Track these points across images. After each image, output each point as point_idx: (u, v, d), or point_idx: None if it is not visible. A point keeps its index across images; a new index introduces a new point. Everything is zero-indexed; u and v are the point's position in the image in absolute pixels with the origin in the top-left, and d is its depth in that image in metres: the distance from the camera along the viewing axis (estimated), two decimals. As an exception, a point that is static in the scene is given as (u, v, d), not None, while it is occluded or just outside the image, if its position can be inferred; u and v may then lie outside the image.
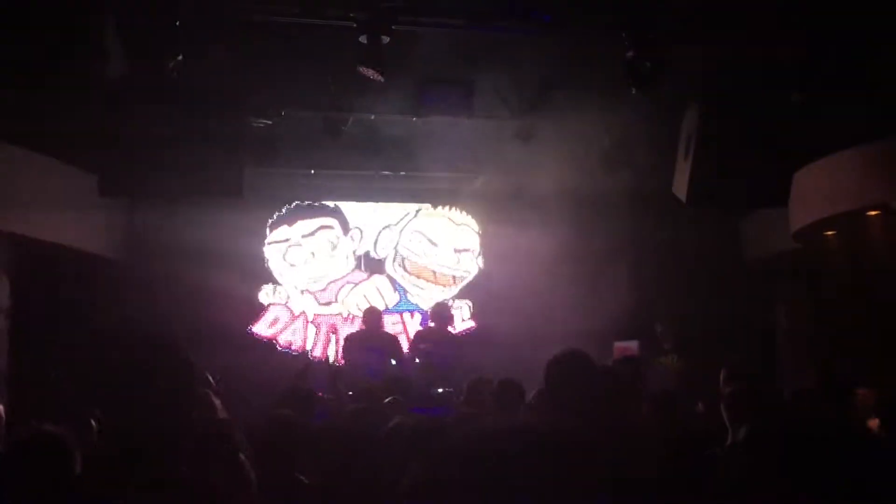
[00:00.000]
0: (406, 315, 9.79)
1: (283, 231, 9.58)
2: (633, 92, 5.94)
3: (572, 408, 2.71)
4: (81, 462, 2.37)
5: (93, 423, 4.36)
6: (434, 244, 9.92)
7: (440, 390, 7.01)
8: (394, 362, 7.64)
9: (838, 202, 7.36)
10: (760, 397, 3.48)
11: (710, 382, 5.47)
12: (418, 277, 9.87)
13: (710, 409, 4.76)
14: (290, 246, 9.57)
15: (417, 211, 9.97)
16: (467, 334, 9.58)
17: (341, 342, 9.43)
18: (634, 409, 3.84)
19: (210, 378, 5.48)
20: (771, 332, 9.66)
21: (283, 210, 9.61)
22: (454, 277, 9.93)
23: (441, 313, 8.05)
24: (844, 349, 7.71)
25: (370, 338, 7.67)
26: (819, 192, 7.45)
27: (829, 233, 8.02)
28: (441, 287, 9.88)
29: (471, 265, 9.98)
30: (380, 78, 5.80)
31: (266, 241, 9.54)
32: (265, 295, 9.48)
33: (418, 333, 8.56)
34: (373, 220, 9.85)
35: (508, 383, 5.11)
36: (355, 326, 9.07)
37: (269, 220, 9.57)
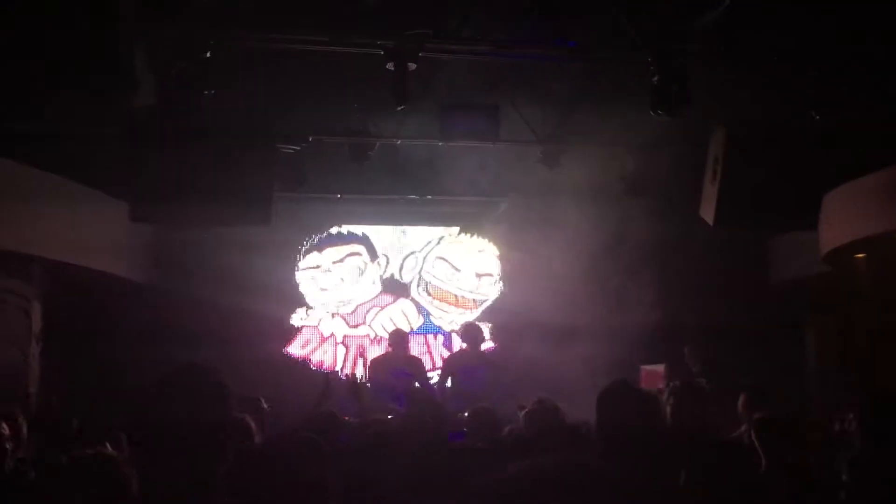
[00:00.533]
0: (430, 337, 10.02)
1: (313, 258, 9.94)
2: (659, 116, 5.94)
3: (622, 444, 2.63)
4: (139, 486, 2.35)
5: (108, 445, 4.36)
6: (456, 269, 10.24)
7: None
8: (417, 385, 7.58)
9: (868, 224, 7.28)
10: (798, 427, 3.39)
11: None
12: (441, 301, 10.17)
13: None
14: (320, 272, 9.93)
15: (440, 238, 10.27)
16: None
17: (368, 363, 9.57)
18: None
19: (262, 402, 5.42)
20: (800, 355, 9.55)
21: (315, 238, 9.93)
22: (475, 301, 10.23)
23: (472, 334, 8.00)
24: (874, 372, 7.61)
25: (395, 361, 7.64)
26: (849, 214, 7.37)
27: (860, 255, 7.93)
28: (462, 310, 10.15)
29: (491, 289, 10.24)
30: (404, 104, 5.85)
31: (298, 268, 9.86)
32: (298, 318, 9.79)
33: (452, 357, 8.59)
34: (398, 246, 10.18)
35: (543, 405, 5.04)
36: (382, 347, 9.30)
37: (301, 247, 9.87)
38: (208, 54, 5.42)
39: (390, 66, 5.71)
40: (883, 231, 7.20)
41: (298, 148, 7.63)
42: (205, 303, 8.53)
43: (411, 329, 9.72)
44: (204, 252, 8.61)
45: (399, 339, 7.85)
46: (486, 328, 9.86)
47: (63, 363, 7.66)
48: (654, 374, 8.70)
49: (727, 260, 9.21)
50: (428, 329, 10.02)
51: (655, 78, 5.74)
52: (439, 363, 9.20)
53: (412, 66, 5.70)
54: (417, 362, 8.01)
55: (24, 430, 4.52)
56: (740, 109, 6.84)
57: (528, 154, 8.16)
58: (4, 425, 3.93)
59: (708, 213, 7.04)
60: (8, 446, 3.87)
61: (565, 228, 9.01)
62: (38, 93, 5.10)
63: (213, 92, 5.39)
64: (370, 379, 7.64)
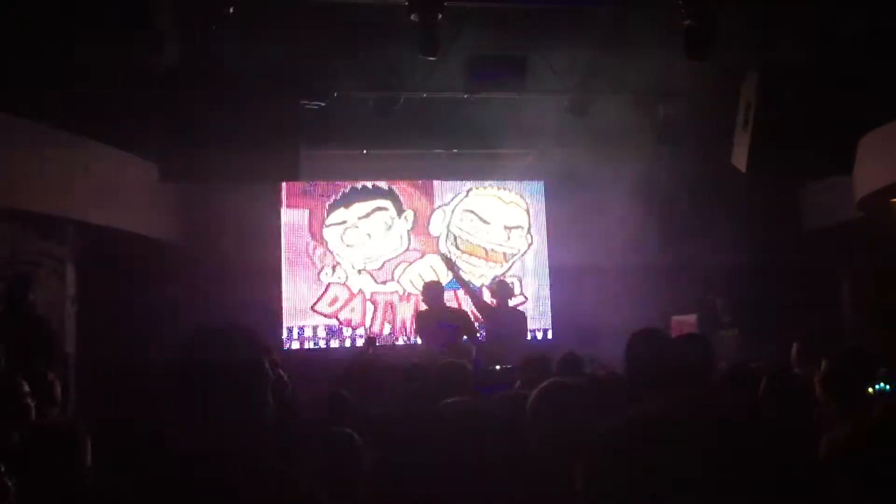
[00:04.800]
0: (460, 292, 9.85)
1: (340, 213, 9.84)
2: (691, 60, 5.83)
3: (658, 385, 2.62)
4: (92, 452, 2.30)
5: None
6: (485, 222, 10.14)
7: (498, 367, 6.99)
8: (465, 338, 7.48)
9: (905, 168, 7.13)
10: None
11: (772, 356, 5.37)
12: (471, 255, 10.07)
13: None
14: (347, 228, 9.84)
15: (468, 191, 10.16)
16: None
17: (398, 319, 9.61)
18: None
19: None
20: (834, 304, 9.44)
21: (340, 194, 9.83)
22: (505, 254, 10.15)
23: (501, 290, 7.98)
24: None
25: (441, 314, 7.49)
26: (884, 158, 7.21)
27: (895, 200, 7.78)
28: (492, 264, 10.08)
29: (521, 242, 10.16)
30: (433, 56, 5.78)
31: (325, 224, 9.78)
32: (325, 275, 9.74)
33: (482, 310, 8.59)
34: (425, 200, 10.05)
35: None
36: (411, 303, 9.36)
37: (327, 203, 9.77)
38: (231, 10, 5.39)
39: (415, 17, 5.63)
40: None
41: (323, 104, 7.58)
42: (233, 263, 8.59)
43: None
44: (233, 212, 8.62)
45: (431, 293, 7.73)
46: (516, 281, 9.89)
47: (99, 324, 7.76)
48: (684, 325, 8.68)
49: (759, 207, 9.08)
50: (458, 284, 9.96)
51: (687, 21, 5.63)
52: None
53: (438, 16, 5.61)
54: (464, 314, 7.91)
55: (58, 389, 4.51)
56: (773, 53, 6.69)
57: (557, 104, 8.05)
58: (24, 383, 3.89)
59: (740, 161, 6.92)
60: (30, 402, 3.81)
61: (595, 178, 8.95)
62: (66, 53, 5.10)
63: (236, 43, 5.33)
64: (418, 333, 7.59)
